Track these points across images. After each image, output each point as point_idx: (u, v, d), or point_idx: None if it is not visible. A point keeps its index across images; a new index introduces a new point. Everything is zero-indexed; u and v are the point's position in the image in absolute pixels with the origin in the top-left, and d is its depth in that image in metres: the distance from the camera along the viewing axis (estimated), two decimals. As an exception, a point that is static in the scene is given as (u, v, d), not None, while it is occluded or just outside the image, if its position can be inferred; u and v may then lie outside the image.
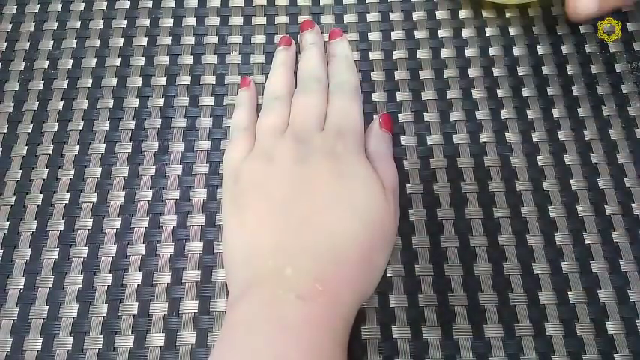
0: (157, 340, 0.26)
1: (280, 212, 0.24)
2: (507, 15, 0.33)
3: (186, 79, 0.32)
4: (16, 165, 0.29)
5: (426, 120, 0.30)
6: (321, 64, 0.30)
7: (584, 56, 0.31)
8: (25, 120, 0.31)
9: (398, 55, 0.32)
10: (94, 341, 0.25)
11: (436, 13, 0.33)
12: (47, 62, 0.32)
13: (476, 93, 0.31)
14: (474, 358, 0.25)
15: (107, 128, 0.30)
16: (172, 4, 0.34)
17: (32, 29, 0.33)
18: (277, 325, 0.21)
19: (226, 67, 0.32)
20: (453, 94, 0.31)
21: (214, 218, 0.28)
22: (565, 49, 0.32)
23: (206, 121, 0.30)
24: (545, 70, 0.31)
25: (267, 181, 0.25)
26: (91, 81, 0.32)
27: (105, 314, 0.26)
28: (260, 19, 0.33)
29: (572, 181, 0.28)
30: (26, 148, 0.30)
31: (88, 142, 0.30)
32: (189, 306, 0.26)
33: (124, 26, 0.33)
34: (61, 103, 0.31)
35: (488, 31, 0.32)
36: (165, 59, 0.32)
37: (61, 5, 0.34)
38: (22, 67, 0.32)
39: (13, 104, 0.31)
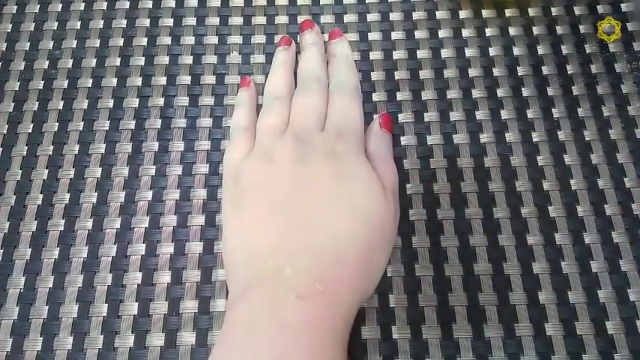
0: (157, 340, 0.26)
1: (280, 212, 0.24)
2: (507, 15, 0.33)
3: (186, 79, 0.32)
4: (16, 165, 0.29)
5: (426, 120, 0.30)
6: (321, 64, 0.30)
7: (584, 56, 0.31)
8: (25, 120, 0.31)
9: (398, 55, 0.32)
10: (94, 341, 0.26)
11: (436, 13, 0.33)
12: (47, 62, 0.32)
13: (476, 93, 0.31)
14: (474, 358, 0.25)
15: (107, 128, 0.30)
16: (172, 4, 0.34)
17: (32, 29, 0.33)
18: (277, 325, 0.21)
19: (226, 67, 0.32)
20: (453, 94, 0.31)
21: (214, 218, 0.28)
22: (565, 49, 0.32)
23: (206, 121, 0.30)
24: (545, 70, 0.31)
25: (267, 181, 0.25)
26: (91, 81, 0.32)
27: (105, 314, 0.26)
28: (260, 19, 0.33)
29: (572, 181, 0.28)
30: (26, 148, 0.30)
31: (88, 142, 0.30)
32: (189, 306, 0.26)
33: (124, 26, 0.33)
34: (61, 103, 0.31)
35: (488, 31, 0.32)
36: (165, 59, 0.32)
37: (61, 5, 0.34)
38: (22, 67, 0.32)
39: (13, 104, 0.31)
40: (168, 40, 0.33)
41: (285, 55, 0.31)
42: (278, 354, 0.20)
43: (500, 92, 0.31)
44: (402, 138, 0.30)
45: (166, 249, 0.27)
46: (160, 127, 0.30)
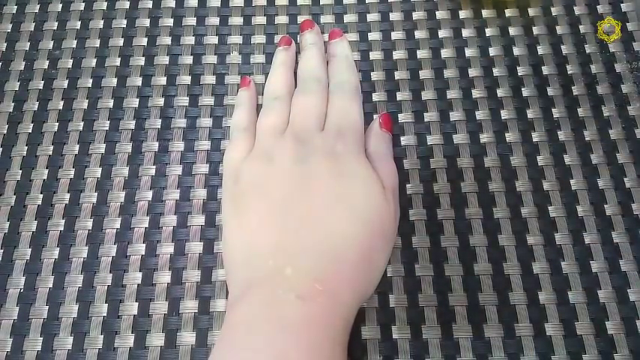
0: (157, 340, 0.26)
1: (280, 212, 0.24)
2: (507, 15, 0.33)
3: (186, 79, 0.32)
4: (16, 165, 0.29)
5: (426, 120, 0.30)
6: (321, 64, 0.30)
7: (584, 56, 0.31)
8: (25, 120, 0.31)
9: (398, 55, 0.32)
10: (94, 341, 0.26)
11: (436, 13, 0.33)
12: (47, 62, 0.32)
13: (476, 93, 0.31)
14: (474, 358, 0.25)
15: (107, 128, 0.30)
16: (172, 4, 0.34)
17: (32, 29, 0.33)
18: (277, 325, 0.21)
19: (226, 67, 0.32)
20: (453, 94, 0.31)
21: (214, 218, 0.28)
22: (565, 49, 0.32)
23: (206, 121, 0.30)
24: (545, 70, 0.31)
25: (267, 181, 0.25)
26: (91, 81, 0.32)
27: (105, 314, 0.26)
28: (260, 19, 0.33)
29: (572, 181, 0.28)
30: (26, 148, 0.30)
31: (88, 142, 0.30)
32: (189, 306, 0.26)
33: (124, 26, 0.33)
34: (61, 103, 0.31)
35: (488, 31, 0.32)
36: (165, 59, 0.32)
37: (61, 5, 0.34)
38: (22, 67, 0.32)
39: (13, 104, 0.31)
40: (168, 40, 0.33)
41: (285, 55, 0.31)
42: (278, 354, 0.20)
43: (500, 92, 0.31)
44: (402, 138, 0.30)
45: (166, 249, 0.27)
46: (159, 127, 0.30)
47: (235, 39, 0.33)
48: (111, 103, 0.31)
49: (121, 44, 0.33)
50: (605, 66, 0.31)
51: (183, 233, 0.28)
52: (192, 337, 0.26)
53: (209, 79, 0.32)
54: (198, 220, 0.28)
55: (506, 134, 0.30)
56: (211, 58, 0.32)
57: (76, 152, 0.30)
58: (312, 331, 0.21)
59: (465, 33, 0.32)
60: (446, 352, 0.25)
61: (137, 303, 0.26)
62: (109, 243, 0.28)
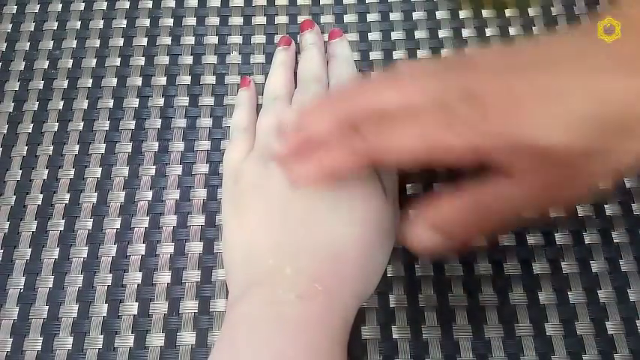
0: (157, 340, 0.26)
1: (280, 212, 0.24)
2: (507, 15, 0.33)
3: (186, 79, 0.32)
4: (16, 165, 0.29)
5: (426, 120, 0.30)
6: (321, 64, 0.30)
7: (584, 56, 0.31)
8: (25, 120, 0.31)
9: (398, 55, 0.32)
10: (94, 341, 0.26)
11: (436, 13, 0.33)
12: (47, 62, 0.32)
13: (476, 93, 0.31)
14: (474, 358, 0.25)
15: (107, 128, 0.30)
16: (172, 4, 0.34)
17: (32, 29, 0.33)
18: (277, 325, 0.21)
19: (226, 67, 0.32)
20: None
21: (214, 218, 0.28)
22: (565, 49, 0.32)
23: (206, 121, 0.30)
24: (545, 70, 0.31)
25: (267, 182, 0.25)
26: (91, 81, 0.32)
27: (105, 314, 0.26)
28: (260, 19, 0.33)
29: (572, 181, 0.28)
30: (26, 148, 0.30)
31: (88, 142, 0.30)
32: (189, 306, 0.26)
33: (124, 26, 0.33)
34: (61, 103, 0.31)
35: (488, 31, 0.32)
36: (165, 59, 0.32)
37: (61, 5, 0.34)
38: (22, 67, 0.32)
39: (13, 104, 0.31)
40: (168, 40, 0.33)
41: (285, 55, 0.31)
42: (277, 353, 0.20)
43: (500, 92, 0.31)
44: (402, 138, 0.30)
45: (166, 249, 0.27)
46: (159, 127, 0.30)
47: (235, 39, 0.33)
48: (111, 103, 0.31)
49: (121, 44, 0.33)
50: (605, 66, 0.31)
51: (183, 233, 0.28)
52: (192, 337, 0.26)
53: (209, 79, 0.32)
54: (198, 220, 0.28)
55: (506, 134, 0.30)
56: (211, 58, 0.32)
57: (76, 152, 0.30)
58: (312, 331, 0.21)
59: (465, 33, 0.32)
60: (446, 352, 0.25)
61: (137, 303, 0.26)
62: (109, 243, 0.28)
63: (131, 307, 0.26)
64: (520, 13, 0.33)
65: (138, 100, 0.31)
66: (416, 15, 0.33)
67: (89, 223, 0.28)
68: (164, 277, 0.27)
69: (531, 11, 0.33)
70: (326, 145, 0.21)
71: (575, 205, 0.28)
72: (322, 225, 0.23)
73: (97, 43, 0.33)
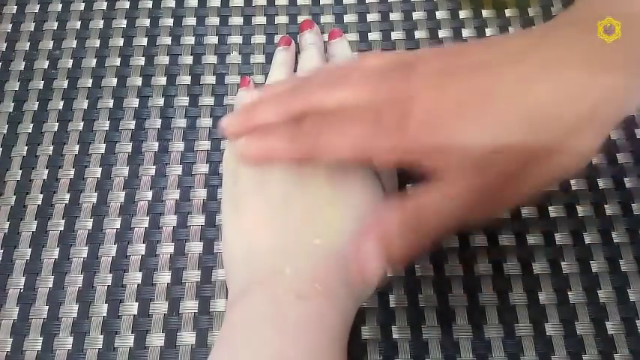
0: (157, 340, 0.26)
1: (280, 212, 0.24)
2: (507, 15, 0.33)
3: (186, 79, 0.32)
4: (16, 165, 0.29)
5: (426, 120, 0.30)
6: (321, 64, 0.30)
7: (584, 56, 0.31)
8: (25, 120, 0.31)
9: (398, 55, 0.32)
10: (94, 341, 0.25)
11: (436, 13, 0.33)
12: (47, 62, 0.32)
13: (476, 93, 0.31)
14: (474, 358, 0.25)
15: (107, 128, 0.30)
16: (172, 4, 0.34)
17: (32, 29, 0.33)
18: (277, 325, 0.21)
19: (226, 67, 0.32)
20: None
21: (214, 218, 0.28)
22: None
23: (206, 121, 0.30)
24: (545, 70, 0.31)
25: (266, 182, 0.25)
26: (91, 81, 0.32)
27: (105, 314, 0.26)
28: (260, 19, 0.33)
29: (572, 182, 0.28)
30: (26, 148, 0.30)
31: (88, 142, 0.30)
32: (189, 306, 0.26)
33: (124, 26, 0.33)
34: (61, 103, 0.31)
35: (488, 31, 0.32)
36: (165, 59, 0.32)
37: (61, 5, 0.34)
38: (22, 67, 0.32)
39: (13, 104, 0.31)
40: (168, 40, 0.33)
41: (285, 55, 0.30)
42: (277, 354, 0.20)
43: (500, 92, 0.31)
44: (402, 138, 0.30)
45: (166, 249, 0.27)
46: (159, 127, 0.30)
47: (235, 39, 0.33)
48: (111, 103, 0.31)
49: (121, 44, 0.33)
50: (605, 66, 0.31)
51: (183, 233, 0.28)
52: (192, 337, 0.26)
53: (209, 79, 0.32)
54: (198, 220, 0.28)
55: (506, 134, 0.30)
56: (211, 58, 0.32)
57: (76, 152, 0.30)
58: (312, 331, 0.21)
59: (465, 33, 0.32)
60: (446, 352, 0.25)
61: (137, 303, 0.26)
62: (109, 243, 0.28)
63: (131, 307, 0.26)
64: (520, 13, 0.33)
65: (138, 100, 0.31)
66: (416, 15, 0.33)
67: (89, 223, 0.28)
68: (164, 277, 0.27)
69: (531, 11, 0.33)
70: (272, 132, 0.22)
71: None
72: (322, 225, 0.23)
73: (97, 43, 0.33)
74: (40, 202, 0.28)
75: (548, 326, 0.25)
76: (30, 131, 0.30)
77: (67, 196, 0.29)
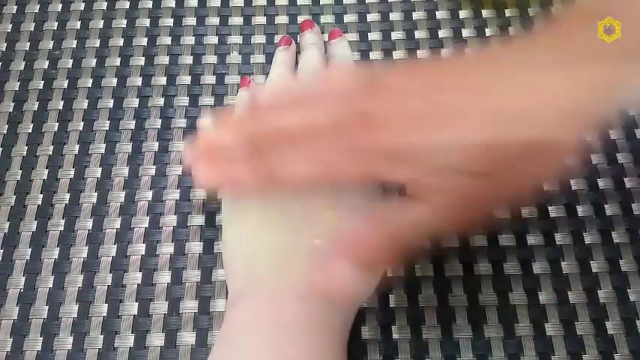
0: (157, 340, 0.26)
1: (279, 212, 0.24)
2: (507, 15, 0.33)
3: (186, 79, 0.32)
4: (16, 165, 0.29)
5: (426, 120, 0.30)
6: (321, 64, 0.30)
7: (584, 56, 0.31)
8: (25, 120, 0.31)
9: (398, 55, 0.32)
10: (94, 341, 0.25)
11: (436, 13, 0.33)
12: (47, 62, 0.32)
13: (476, 93, 0.31)
14: (474, 358, 0.25)
15: (107, 128, 0.30)
16: (172, 4, 0.34)
17: (32, 29, 0.33)
18: (276, 325, 0.21)
19: (226, 67, 0.32)
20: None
21: (214, 218, 0.28)
22: (565, 49, 0.32)
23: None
24: (545, 70, 0.31)
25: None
26: (91, 81, 0.32)
27: (105, 314, 0.26)
28: (260, 19, 0.33)
29: (572, 181, 0.28)
30: (26, 148, 0.30)
31: (88, 142, 0.30)
32: (189, 306, 0.26)
33: (124, 26, 0.33)
34: (61, 103, 0.31)
35: (488, 31, 0.32)
36: (165, 59, 0.32)
37: (61, 5, 0.34)
38: (22, 67, 0.32)
39: (13, 104, 0.31)
40: (168, 40, 0.33)
41: (285, 55, 0.30)
42: (277, 354, 0.20)
43: (500, 92, 0.31)
44: (402, 138, 0.30)
45: (166, 249, 0.27)
46: (159, 127, 0.30)
47: (235, 39, 0.33)
48: (111, 103, 0.31)
49: (121, 44, 0.33)
50: (605, 66, 0.31)
51: (183, 233, 0.28)
52: (192, 337, 0.26)
53: (209, 79, 0.32)
54: (198, 220, 0.28)
55: (506, 134, 0.30)
56: (211, 58, 0.32)
57: (76, 152, 0.30)
58: (311, 331, 0.21)
59: (465, 33, 0.32)
60: (446, 352, 0.25)
61: (137, 303, 0.26)
62: (109, 243, 0.28)
63: (131, 307, 0.26)
64: (520, 13, 0.33)
65: (138, 100, 0.31)
66: (416, 15, 0.33)
67: (89, 223, 0.28)
68: (164, 277, 0.27)
69: (531, 11, 0.33)
70: (232, 157, 0.21)
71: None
72: (322, 225, 0.23)
73: (97, 43, 0.33)
74: (40, 202, 0.28)
75: (548, 326, 0.25)
76: (30, 131, 0.30)
77: (67, 196, 0.29)
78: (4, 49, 0.33)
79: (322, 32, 0.32)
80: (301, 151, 0.19)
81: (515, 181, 0.18)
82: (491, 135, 0.17)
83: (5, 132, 0.30)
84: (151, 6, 0.34)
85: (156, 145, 0.30)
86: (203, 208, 0.28)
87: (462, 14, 0.33)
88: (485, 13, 0.33)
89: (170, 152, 0.30)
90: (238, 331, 0.21)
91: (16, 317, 0.26)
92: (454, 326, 0.26)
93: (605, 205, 0.28)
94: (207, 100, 0.31)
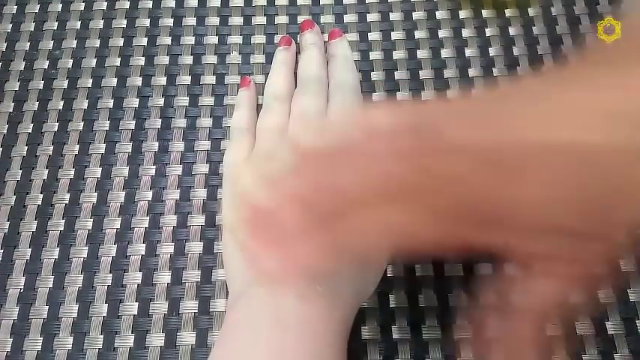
0: (156, 340, 0.26)
1: (280, 212, 0.24)
2: (507, 15, 0.33)
3: (186, 79, 0.32)
4: (16, 165, 0.29)
5: (426, 120, 0.30)
6: (321, 64, 0.30)
7: (584, 56, 0.31)
8: (25, 120, 0.31)
9: (398, 55, 0.32)
10: (94, 341, 0.25)
11: (436, 13, 0.33)
12: (47, 62, 0.32)
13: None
14: (474, 358, 0.25)
15: (107, 128, 0.30)
16: (172, 4, 0.34)
17: (32, 29, 0.33)
18: (277, 326, 0.21)
19: (226, 67, 0.32)
20: (453, 94, 0.31)
21: (214, 218, 0.28)
22: (565, 49, 0.32)
23: (206, 121, 0.30)
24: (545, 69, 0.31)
25: (267, 182, 0.25)
26: (91, 81, 0.32)
27: (105, 314, 0.26)
28: (260, 19, 0.33)
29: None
30: (26, 148, 0.30)
31: (88, 142, 0.30)
32: (189, 306, 0.26)
33: (124, 26, 0.33)
34: (61, 103, 0.31)
35: (488, 31, 0.32)
36: (165, 59, 0.32)
37: (61, 5, 0.34)
38: (22, 67, 0.32)
39: (13, 104, 0.31)
40: (168, 40, 0.33)
41: (285, 55, 0.30)
42: (277, 354, 0.20)
43: (500, 92, 0.31)
44: (402, 138, 0.30)
45: (166, 249, 0.27)
46: (159, 127, 0.30)
47: (235, 39, 0.33)
48: (111, 103, 0.31)
49: (121, 44, 0.33)
50: (605, 66, 0.31)
51: (183, 233, 0.28)
52: (192, 337, 0.26)
53: (209, 79, 0.32)
54: (198, 220, 0.28)
55: (506, 134, 0.30)
56: (211, 58, 0.32)
57: (76, 152, 0.30)
58: (312, 332, 0.21)
59: (465, 33, 0.32)
60: (446, 352, 0.25)
61: (137, 303, 0.26)
62: (109, 243, 0.28)
63: (131, 307, 0.26)
64: (520, 13, 0.33)
65: (138, 100, 0.31)
66: (416, 15, 0.33)
67: (89, 223, 0.28)
68: (164, 277, 0.27)
69: (531, 11, 0.33)
70: (292, 236, 0.18)
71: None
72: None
73: (97, 43, 0.33)
74: (40, 202, 0.28)
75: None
76: (30, 131, 0.30)
77: (67, 196, 0.29)
78: (4, 49, 0.33)
79: (322, 32, 0.32)
80: (367, 215, 0.17)
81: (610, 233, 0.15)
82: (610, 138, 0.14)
83: (5, 132, 0.30)
84: (150, 6, 0.34)
85: (156, 145, 0.30)
86: (203, 208, 0.28)
87: (462, 14, 0.33)
88: (485, 13, 0.33)
89: (170, 152, 0.30)
90: (239, 331, 0.21)
91: (16, 317, 0.26)
92: (454, 326, 0.25)
93: (605, 205, 0.28)
94: (207, 100, 0.31)
